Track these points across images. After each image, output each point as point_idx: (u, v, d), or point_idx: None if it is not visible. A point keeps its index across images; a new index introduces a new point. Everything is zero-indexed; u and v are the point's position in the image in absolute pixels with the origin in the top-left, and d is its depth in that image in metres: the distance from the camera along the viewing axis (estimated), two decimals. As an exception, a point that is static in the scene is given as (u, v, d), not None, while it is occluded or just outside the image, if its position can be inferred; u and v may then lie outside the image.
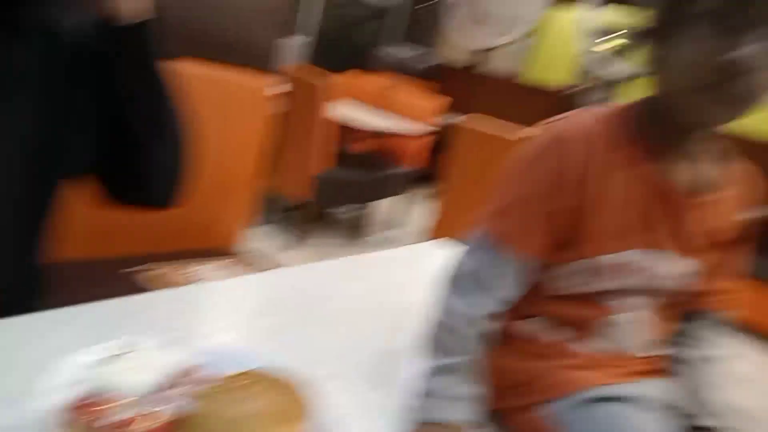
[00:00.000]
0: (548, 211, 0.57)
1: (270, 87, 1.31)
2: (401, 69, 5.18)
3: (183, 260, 1.18)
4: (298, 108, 2.85)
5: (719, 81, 0.49)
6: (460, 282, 0.60)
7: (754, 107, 0.50)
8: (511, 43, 5.47)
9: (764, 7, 0.47)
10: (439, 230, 2.23)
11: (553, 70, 5.32)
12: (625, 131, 0.57)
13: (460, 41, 5.66)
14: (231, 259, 1.27)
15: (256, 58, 1.23)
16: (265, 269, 1.28)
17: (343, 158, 3.25)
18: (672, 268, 0.59)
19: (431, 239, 2.12)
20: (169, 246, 1.21)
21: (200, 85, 1.15)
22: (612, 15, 3.80)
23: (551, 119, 0.61)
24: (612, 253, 0.57)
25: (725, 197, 0.60)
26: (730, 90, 0.49)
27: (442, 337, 0.59)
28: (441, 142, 3.72)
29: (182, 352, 0.54)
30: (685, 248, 0.59)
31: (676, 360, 0.64)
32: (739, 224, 0.62)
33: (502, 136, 2.02)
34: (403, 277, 1.03)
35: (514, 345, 0.63)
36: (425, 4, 5.86)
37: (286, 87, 2.87)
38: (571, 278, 0.60)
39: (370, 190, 3.21)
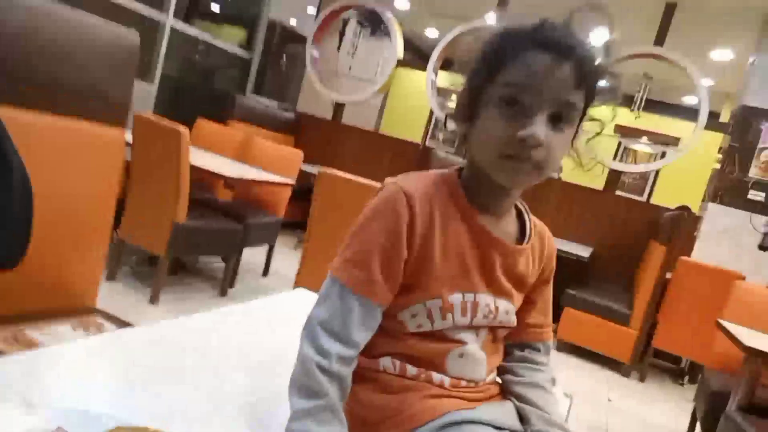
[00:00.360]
0: (391, 261, 0.64)
1: (123, 135, 1.27)
2: (261, 119, 5.21)
3: (33, 321, 1.08)
4: (154, 156, 2.75)
5: (515, 153, 0.61)
6: (311, 329, 0.64)
7: (547, 172, 0.64)
8: (363, 100, 5.76)
9: (548, 94, 0.60)
10: (304, 278, 2.25)
11: (406, 124, 5.69)
12: (455, 190, 0.68)
13: (321, 94, 5.84)
14: (84, 318, 1.18)
15: (108, 107, 1.19)
16: (121, 327, 1.21)
17: (203, 207, 3.17)
18: (491, 308, 0.70)
19: (297, 287, 2.13)
20: (17, 306, 1.10)
21: (48, 136, 1.10)
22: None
23: (397, 176, 0.68)
24: (438, 297, 0.66)
25: (530, 247, 0.73)
26: (524, 160, 0.61)
27: (300, 382, 0.62)
28: (302, 191, 3.77)
29: (39, 417, 0.51)
30: (498, 291, 0.70)
31: (509, 384, 0.75)
32: (542, 269, 0.76)
33: (362, 183, 2.12)
34: (266, 326, 1.03)
35: (374, 381, 0.67)
36: (283, 58, 5.98)
37: (141, 135, 2.76)
38: (414, 319, 0.67)
39: (231, 240, 3.14)
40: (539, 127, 0.60)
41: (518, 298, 0.73)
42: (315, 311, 0.65)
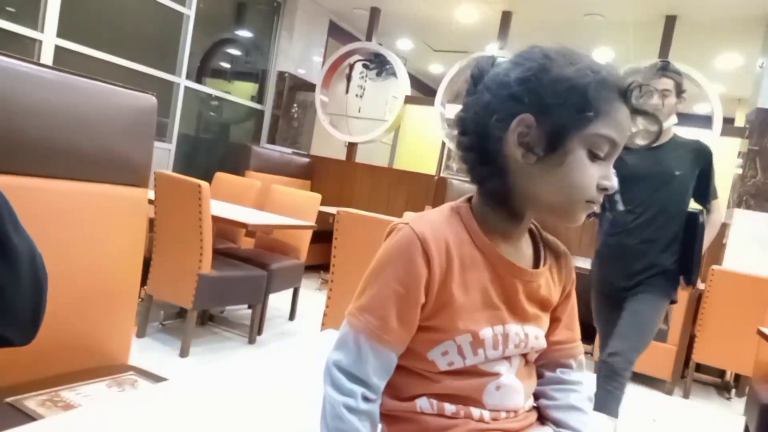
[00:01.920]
0: (407, 308, 0.64)
1: (145, 194, 1.31)
2: (276, 167, 5.31)
3: (68, 382, 1.10)
4: (177, 211, 2.81)
5: (595, 199, 0.64)
6: (332, 374, 0.64)
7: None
8: (375, 139, 5.85)
9: (622, 143, 0.65)
10: (331, 318, 2.25)
11: (419, 157, 5.73)
12: (469, 222, 0.67)
13: (333, 136, 5.94)
14: (118, 376, 1.20)
15: (130, 169, 1.23)
16: (155, 381, 1.22)
17: (226, 257, 3.20)
18: (521, 336, 0.69)
19: (324, 328, 2.12)
20: (51, 369, 1.12)
21: (72, 201, 1.14)
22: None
23: (409, 218, 0.67)
24: (467, 333, 0.65)
25: (548, 267, 0.72)
26: (596, 204, 0.65)
27: (332, 426, 0.62)
28: (322, 233, 3.80)
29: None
30: (524, 318, 0.69)
31: (545, 409, 0.74)
32: (563, 286, 0.75)
33: (382, 219, 2.13)
34: (298, 371, 1.03)
35: (413, 423, 0.67)
36: (294, 106, 6.12)
37: (162, 192, 2.83)
38: (445, 357, 0.66)
39: (256, 287, 3.16)
40: (614, 177, 0.65)
41: (545, 320, 0.73)
42: (333, 356, 0.65)
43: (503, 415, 0.68)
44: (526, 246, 0.72)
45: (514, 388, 0.69)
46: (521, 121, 0.62)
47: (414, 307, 0.64)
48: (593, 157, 0.62)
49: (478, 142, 0.66)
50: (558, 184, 0.63)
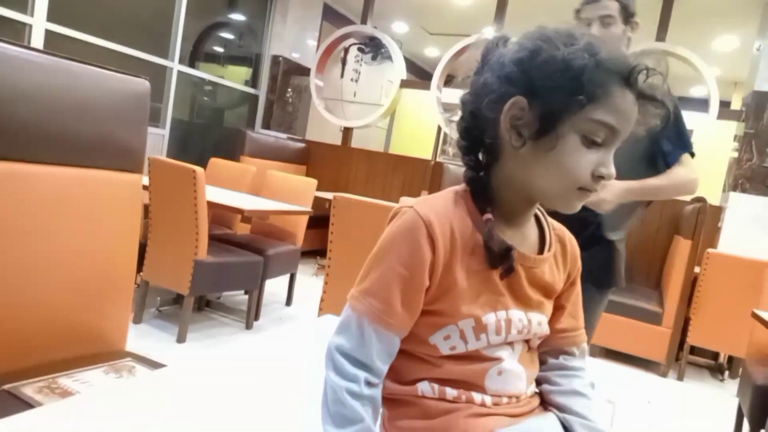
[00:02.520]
0: (412, 291, 0.63)
1: (140, 180, 1.30)
2: (271, 152, 5.28)
3: (66, 369, 1.10)
4: (172, 197, 2.79)
5: (590, 186, 0.62)
6: (334, 358, 0.64)
7: None
8: (371, 123, 5.81)
9: (624, 134, 0.62)
10: (329, 304, 2.25)
11: (415, 142, 5.71)
12: (472, 207, 0.66)
13: (328, 121, 5.90)
14: (116, 362, 1.19)
15: (124, 154, 1.21)
16: (153, 368, 1.21)
17: (222, 243, 3.20)
18: (524, 322, 0.68)
19: (322, 314, 2.13)
20: (48, 356, 1.12)
21: (66, 188, 1.13)
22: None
23: (413, 200, 0.67)
24: (470, 318, 0.65)
25: (552, 254, 0.71)
26: (591, 191, 0.62)
27: (333, 410, 0.62)
28: (318, 218, 3.79)
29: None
30: (527, 304, 0.69)
31: (548, 394, 0.73)
32: (567, 273, 0.74)
33: (378, 204, 2.12)
34: (297, 356, 1.03)
35: (414, 407, 0.66)
36: (289, 91, 6.07)
37: (157, 178, 2.81)
38: (447, 341, 0.66)
39: (253, 273, 3.16)
40: (612, 165, 0.62)
41: (548, 306, 0.72)
42: (335, 340, 0.65)
43: (505, 400, 0.68)
44: (531, 231, 0.71)
45: (516, 374, 0.68)
46: (514, 103, 0.61)
47: (418, 291, 0.63)
48: (589, 143, 0.60)
49: (474, 123, 0.65)
50: (549, 169, 0.62)
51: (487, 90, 0.63)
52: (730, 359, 3.83)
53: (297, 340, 1.10)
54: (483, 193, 0.66)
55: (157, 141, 4.74)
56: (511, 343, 0.68)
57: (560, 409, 0.71)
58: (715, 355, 3.96)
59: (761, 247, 3.91)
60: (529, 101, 0.61)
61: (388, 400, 0.68)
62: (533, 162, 0.63)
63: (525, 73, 0.61)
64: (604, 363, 3.70)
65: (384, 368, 0.65)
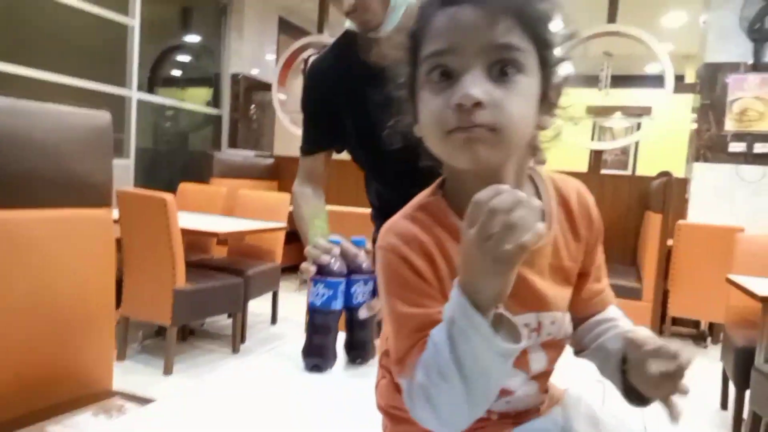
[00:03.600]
0: (426, 290, 0.57)
1: (110, 214, 1.28)
2: (241, 171, 5.25)
3: (54, 415, 1.07)
4: (144, 228, 2.75)
5: (458, 125, 0.52)
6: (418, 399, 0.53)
7: (510, 135, 0.53)
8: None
9: (475, 45, 0.52)
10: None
11: (383, 146, 5.72)
12: (438, 212, 0.59)
13: (295, 134, 5.88)
14: (104, 402, 1.17)
15: (91, 190, 1.20)
16: (142, 404, 1.20)
17: (200, 269, 3.16)
18: (531, 326, 0.60)
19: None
20: (35, 403, 1.09)
21: (36, 230, 1.11)
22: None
23: (380, 236, 0.60)
24: None
25: (557, 230, 0.62)
26: (470, 128, 0.52)
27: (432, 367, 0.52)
28: (296, 233, 3.78)
29: None
30: (534, 305, 0.60)
31: (592, 343, 0.66)
32: (586, 246, 0.66)
33: (353, 212, 2.13)
34: (290, 374, 1.03)
35: (413, 425, 0.59)
36: (252, 108, 6.04)
37: (126, 210, 2.77)
38: None
39: (234, 295, 3.13)
40: (471, 86, 0.51)
41: (563, 295, 0.63)
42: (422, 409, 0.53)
43: (513, 414, 0.64)
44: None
45: (528, 397, 0.64)
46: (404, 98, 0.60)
47: (430, 307, 0.55)
48: (436, 84, 0.54)
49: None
50: (424, 132, 0.57)
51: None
52: (711, 326, 3.92)
53: (286, 359, 1.10)
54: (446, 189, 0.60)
55: (122, 172, 4.66)
56: (524, 362, 0.61)
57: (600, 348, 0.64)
58: (696, 324, 4.05)
59: (728, 214, 4.02)
60: (405, 92, 0.60)
61: (392, 416, 0.67)
62: (423, 138, 0.58)
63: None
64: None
65: None
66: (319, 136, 1.33)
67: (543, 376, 0.65)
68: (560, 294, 0.62)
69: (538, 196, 0.62)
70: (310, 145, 1.35)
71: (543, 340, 0.61)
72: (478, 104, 0.51)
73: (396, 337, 0.57)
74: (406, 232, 0.58)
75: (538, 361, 0.62)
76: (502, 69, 0.52)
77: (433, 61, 0.54)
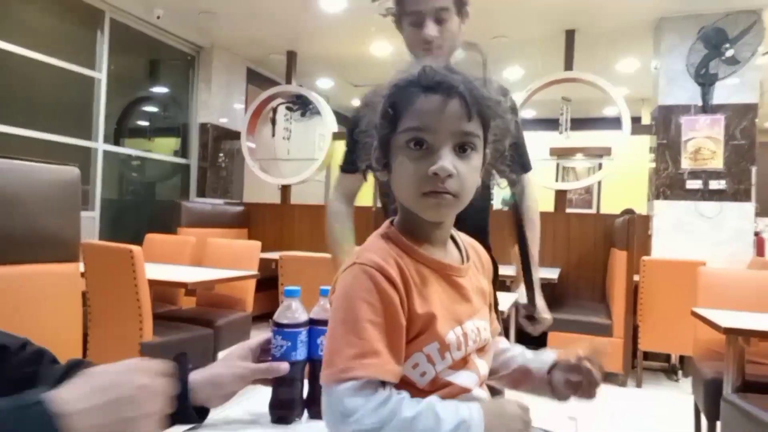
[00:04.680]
0: (397, 336, 0.65)
1: (77, 269, 1.26)
2: (210, 219, 5.21)
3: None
4: (110, 281, 2.69)
5: (432, 189, 0.66)
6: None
7: (465, 199, 0.69)
8: (308, 179, 5.84)
9: (446, 129, 0.67)
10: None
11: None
12: (400, 241, 0.71)
13: (265, 181, 5.89)
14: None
15: (58, 245, 1.18)
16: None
17: (168, 321, 3.09)
18: (476, 331, 0.73)
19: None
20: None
21: (2, 286, 1.08)
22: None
23: (353, 257, 0.70)
24: (434, 341, 0.68)
25: (473, 263, 0.79)
26: (441, 193, 0.66)
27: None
28: (267, 280, 3.74)
29: None
30: (474, 312, 0.75)
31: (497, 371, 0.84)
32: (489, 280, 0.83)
33: (326, 258, 2.13)
34: (255, 426, 1.01)
35: None
36: (221, 156, 6.04)
37: (92, 263, 2.71)
38: (416, 369, 0.68)
39: (204, 347, 3.06)
40: (446, 160, 0.66)
41: (486, 311, 0.78)
42: (344, 421, 0.62)
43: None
44: (452, 249, 0.77)
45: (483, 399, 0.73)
46: (374, 149, 0.72)
47: (401, 332, 0.66)
48: (413, 151, 0.67)
49: (379, 183, 0.76)
50: (397, 187, 0.71)
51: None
52: (682, 359, 3.98)
53: (258, 409, 1.08)
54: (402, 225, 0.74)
55: (87, 224, 4.58)
56: (469, 362, 0.72)
57: (506, 368, 0.83)
58: (667, 357, 4.11)
59: (690, 248, 4.15)
60: (377, 142, 0.71)
61: None
62: (394, 189, 0.72)
63: (360, 130, 0.73)
64: (566, 382, 3.76)
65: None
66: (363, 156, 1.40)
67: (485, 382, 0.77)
68: (484, 309, 0.77)
69: (456, 243, 0.78)
70: (353, 165, 1.39)
71: (479, 346, 0.74)
72: (449, 175, 0.65)
73: (343, 338, 0.64)
74: (382, 250, 0.69)
75: (481, 366, 0.74)
76: (462, 147, 0.68)
77: (414, 133, 0.67)
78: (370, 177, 0.80)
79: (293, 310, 0.97)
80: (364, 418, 0.60)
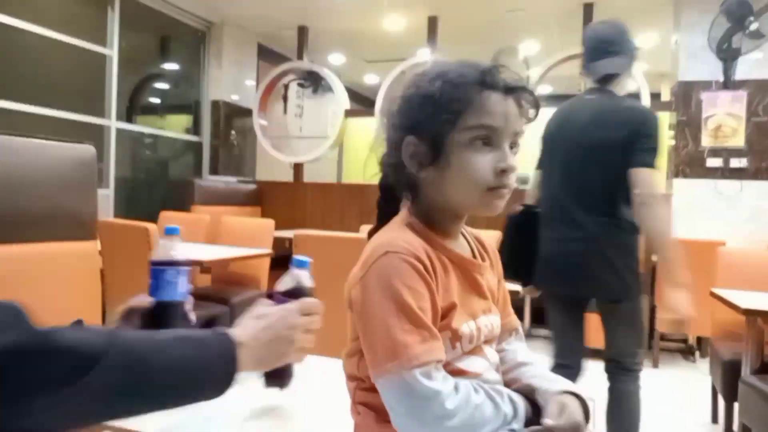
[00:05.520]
0: (435, 318, 0.67)
1: (95, 247, 1.26)
2: (223, 198, 5.21)
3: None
4: (126, 259, 2.70)
5: (498, 184, 0.69)
6: (407, 418, 0.64)
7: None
8: (320, 157, 5.82)
9: (509, 129, 0.69)
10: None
11: (365, 169, 5.74)
12: (423, 231, 0.72)
13: (277, 159, 5.88)
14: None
15: (77, 223, 1.18)
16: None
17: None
18: (489, 327, 0.75)
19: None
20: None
21: (25, 265, 1.08)
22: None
23: (378, 242, 0.70)
24: (447, 330, 0.69)
25: (488, 260, 0.80)
26: (505, 187, 0.69)
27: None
28: (280, 258, 3.74)
29: None
30: (488, 309, 0.76)
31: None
32: (498, 276, 0.83)
33: (340, 237, 2.12)
34: (286, 403, 1.01)
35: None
36: (233, 134, 6.03)
37: (108, 241, 2.72)
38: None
39: (219, 324, 3.07)
40: (510, 158, 0.69)
41: (495, 308, 0.80)
42: (399, 409, 0.64)
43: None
44: (464, 244, 0.78)
45: (496, 383, 0.75)
46: (407, 143, 0.71)
47: (437, 317, 0.68)
48: (477, 147, 0.69)
49: (393, 173, 0.76)
50: (454, 183, 0.70)
51: (390, 143, 0.74)
52: (699, 340, 3.95)
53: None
54: (428, 215, 0.75)
55: (102, 202, 4.60)
56: (479, 350, 0.74)
57: (516, 381, 0.79)
58: (684, 339, 4.08)
59: (709, 228, 4.08)
60: (417, 137, 0.71)
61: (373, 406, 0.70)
62: (442, 182, 0.71)
63: (404, 117, 0.72)
64: (580, 361, 3.75)
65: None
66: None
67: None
68: (494, 306, 0.80)
69: (463, 234, 0.80)
70: None
71: (488, 338, 0.76)
72: (513, 172, 0.69)
73: (400, 327, 0.64)
74: (412, 241, 0.70)
75: (490, 353, 0.77)
76: (512, 145, 0.71)
77: (483, 131, 0.68)
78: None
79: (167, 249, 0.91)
80: (446, 401, 0.62)
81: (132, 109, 5.29)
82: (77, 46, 4.37)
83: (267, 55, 6.56)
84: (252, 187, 5.72)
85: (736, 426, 2.27)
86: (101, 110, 4.68)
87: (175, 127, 5.89)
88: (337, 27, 5.93)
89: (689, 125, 4.30)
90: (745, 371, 2.17)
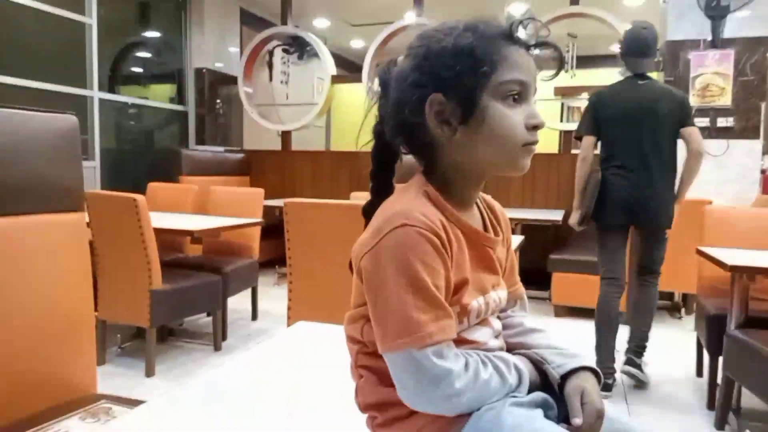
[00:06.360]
0: (448, 294, 0.64)
1: (83, 218, 1.25)
2: (211, 168, 5.17)
3: (41, 422, 1.05)
4: (116, 230, 2.69)
5: (533, 140, 0.67)
6: (421, 392, 0.62)
7: None
8: (308, 124, 5.76)
9: (534, 84, 0.68)
10: (297, 312, 2.24)
11: (355, 137, 5.70)
12: (438, 199, 0.68)
13: (264, 127, 5.82)
14: (91, 407, 1.15)
15: (62, 195, 1.17)
16: (130, 406, 1.18)
17: (176, 268, 3.11)
18: (497, 302, 0.73)
19: (292, 322, 2.11)
20: (20, 412, 1.06)
21: (10, 239, 1.07)
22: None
23: (393, 211, 0.65)
24: (456, 305, 0.66)
25: (501, 231, 0.77)
26: (535, 143, 0.67)
27: (472, 399, 0.63)
28: (271, 227, 3.75)
29: None
30: (497, 283, 0.74)
31: (508, 338, 0.78)
32: (507, 242, 0.80)
33: (330, 204, 2.12)
34: (281, 369, 1.02)
35: (401, 408, 0.66)
36: (218, 102, 5.94)
37: (97, 213, 2.71)
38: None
39: (212, 293, 3.10)
40: (539, 113, 0.67)
41: (502, 281, 0.76)
42: (408, 383, 0.62)
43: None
44: (476, 212, 0.74)
45: (499, 349, 0.73)
46: (432, 101, 0.66)
47: (450, 293, 0.65)
48: (510, 103, 0.66)
49: (407, 137, 0.70)
50: (489, 141, 0.67)
51: (402, 104, 0.67)
52: (685, 297, 4.03)
53: (270, 353, 1.09)
54: (447, 179, 0.70)
55: (89, 174, 4.55)
56: (486, 322, 0.71)
57: (523, 346, 0.75)
58: (670, 295, 4.16)
59: (695, 187, 4.11)
60: (444, 93, 0.66)
61: (381, 407, 0.68)
62: (473, 142, 0.67)
63: (428, 73, 0.66)
64: (569, 322, 3.83)
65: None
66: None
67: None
68: (501, 279, 0.76)
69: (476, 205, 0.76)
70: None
71: (494, 310, 0.74)
72: (541, 127, 0.67)
73: (413, 304, 0.61)
74: (429, 213, 0.65)
75: (495, 322, 0.74)
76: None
77: (513, 86, 0.66)
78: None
79: None
80: (455, 380, 0.61)
81: (114, 79, 5.19)
82: (55, 15, 4.25)
83: (250, 20, 6.43)
84: (240, 156, 5.67)
85: (719, 379, 2.33)
86: (83, 81, 4.59)
87: (158, 97, 5.79)
88: (322, -10, 5.80)
89: (677, 85, 4.28)
90: (730, 325, 2.23)
